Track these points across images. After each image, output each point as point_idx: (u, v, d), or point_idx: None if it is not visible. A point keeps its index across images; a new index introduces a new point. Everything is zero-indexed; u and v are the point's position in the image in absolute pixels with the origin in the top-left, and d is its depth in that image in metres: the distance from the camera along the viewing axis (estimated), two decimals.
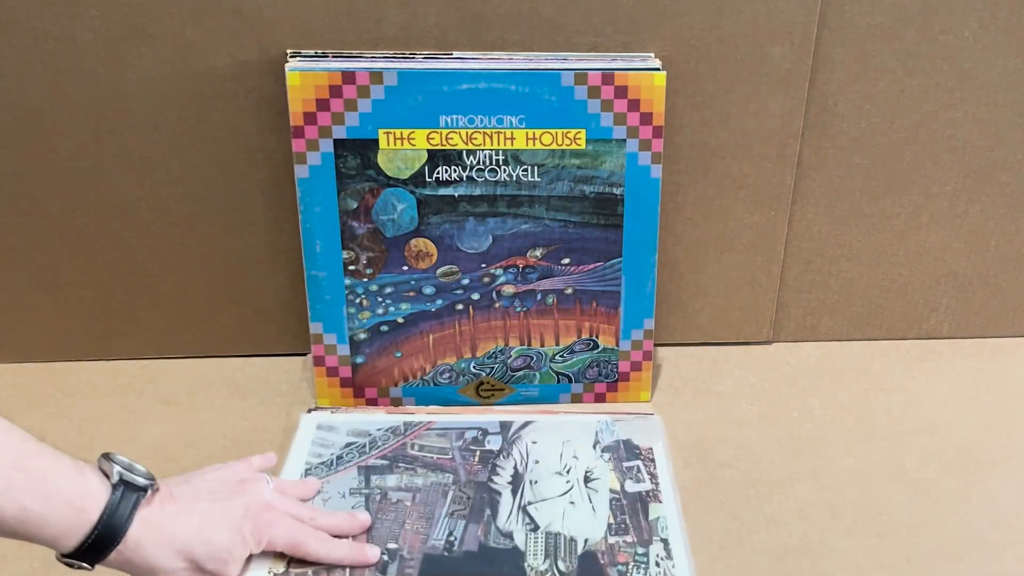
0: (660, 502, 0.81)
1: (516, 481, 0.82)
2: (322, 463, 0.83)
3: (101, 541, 0.60)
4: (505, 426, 0.88)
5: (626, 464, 0.85)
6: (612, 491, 0.82)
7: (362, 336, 0.91)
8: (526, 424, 0.89)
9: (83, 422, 0.91)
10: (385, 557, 0.73)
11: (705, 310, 1.01)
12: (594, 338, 0.93)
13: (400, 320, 0.91)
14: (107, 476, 0.62)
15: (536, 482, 0.82)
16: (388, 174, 0.86)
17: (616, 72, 0.84)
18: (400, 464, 0.83)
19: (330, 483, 0.81)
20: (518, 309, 0.92)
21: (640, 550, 0.76)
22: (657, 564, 0.75)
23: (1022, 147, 0.95)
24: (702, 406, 0.94)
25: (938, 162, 0.95)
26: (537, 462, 0.84)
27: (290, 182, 0.88)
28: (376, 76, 0.82)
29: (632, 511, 0.80)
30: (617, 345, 0.93)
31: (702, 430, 0.91)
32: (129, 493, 0.62)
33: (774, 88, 0.89)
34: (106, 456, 0.64)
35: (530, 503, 0.80)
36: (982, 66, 0.90)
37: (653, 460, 0.85)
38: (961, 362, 1.01)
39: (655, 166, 0.86)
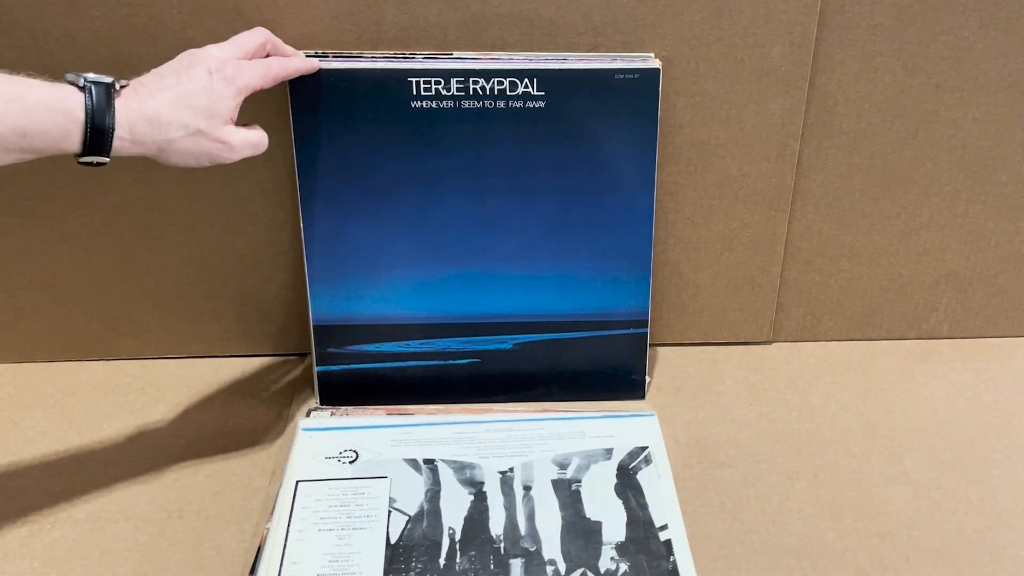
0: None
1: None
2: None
3: (97, 133, 0.67)
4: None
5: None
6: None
7: None
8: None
9: (83, 422, 0.91)
10: None
11: (705, 310, 1.01)
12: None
13: None
14: (75, 84, 0.68)
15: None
16: None
17: None
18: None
19: None
20: None
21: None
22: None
23: (1022, 147, 0.95)
24: (702, 406, 0.94)
25: (938, 162, 0.95)
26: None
27: (290, 182, 0.88)
28: None
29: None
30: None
31: (702, 430, 0.91)
32: (99, 89, 0.67)
33: (774, 88, 0.89)
34: (71, 74, 0.68)
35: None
36: (982, 66, 0.90)
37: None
38: (961, 362, 1.01)
39: None
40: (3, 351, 0.98)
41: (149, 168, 0.89)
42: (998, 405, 0.95)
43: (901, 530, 0.80)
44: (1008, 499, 0.84)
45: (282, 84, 0.82)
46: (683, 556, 0.76)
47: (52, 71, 0.83)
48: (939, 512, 0.82)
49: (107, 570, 0.76)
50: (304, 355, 1.00)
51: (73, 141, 0.67)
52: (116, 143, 0.68)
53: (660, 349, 1.01)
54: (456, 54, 0.85)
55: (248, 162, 0.89)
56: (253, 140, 0.76)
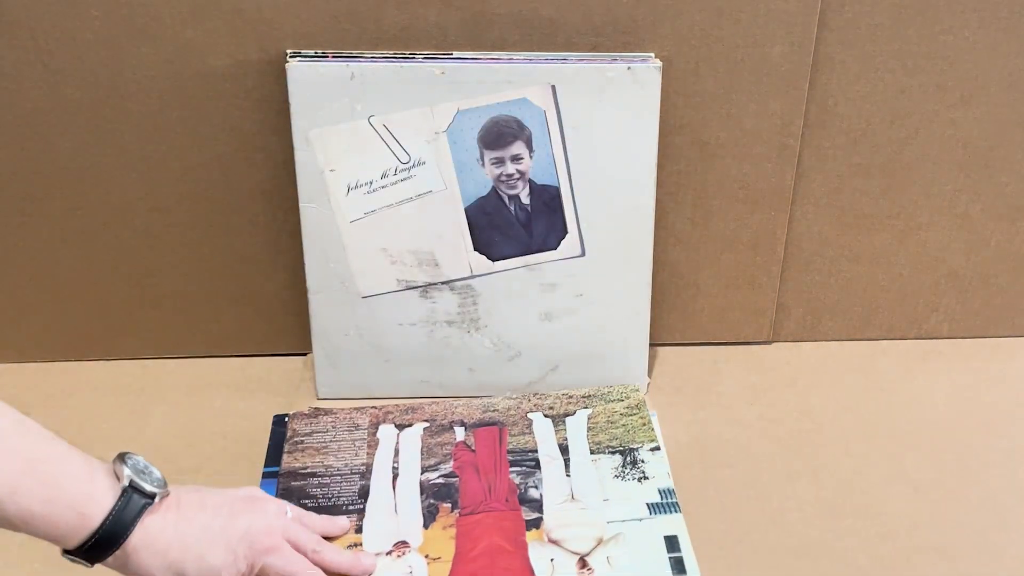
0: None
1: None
2: None
3: (100, 545, 0.61)
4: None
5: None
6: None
7: None
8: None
9: (83, 422, 0.91)
10: None
11: (705, 310, 1.01)
12: None
13: None
14: (118, 479, 0.62)
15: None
16: None
17: None
18: None
19: None
20: None
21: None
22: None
23: (1022, 147, 0.95)
24: (702, 406, 0.94)
25: (938, 162, 0.95)
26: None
27: (290, 182, 0.88)
28: None
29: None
30: None
31: (702, 430, 0.91)
32: (136, 500, 0.62)
33: (774, 88, 0.89)
34: (121, 457, 0.64)
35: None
36: (982, 66, 0.90)
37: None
38: (961, 362, 1.01)
39: None
40: (3, 351, 0.98)
41: (149, 168, 0.90)
42: (998, 405, 0.95)
43: (901, 530, 0.80)
44: (1008, 499, 0.83)
45: (281, 84, 0.82)
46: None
47: (52, 71, 0.84)
48: (939, 512, 0.82)
49: (107, 570, 0.76)
50: (304, 355, 1.00)
51: (70, 542, 0.60)
52: (110, 558, 0.62)
53: (660, 349, 1.01)
54: (456, 54, 0.85)
55: (248, 162, 0.90)
56: None
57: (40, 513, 0.59)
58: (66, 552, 0.62)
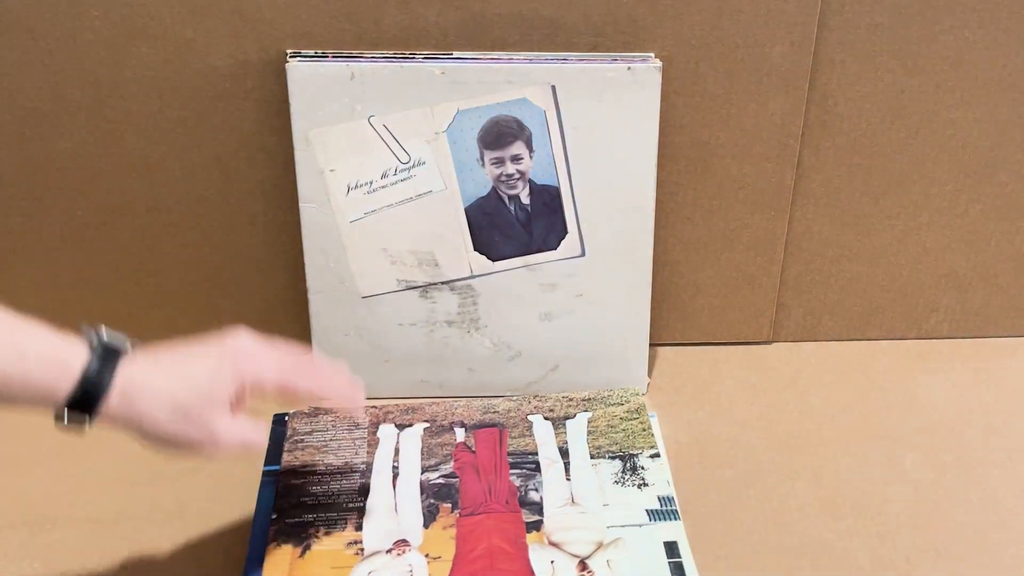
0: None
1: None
2: None
3: (87, 393, 0.61)
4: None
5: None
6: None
7: None
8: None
9: None
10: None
11: (705, 310, 1.01)
12: None
13: None
14: (89, 342, 0.63)
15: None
16: None
17: None
18: None
19: None
20: None
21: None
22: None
23: (1022, 147, 0.95)
24: (702, 406, 0.94)
25: (938, 162, 0.95)
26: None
27: (290, 182, 0.88)
28: None
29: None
30: None
31: (702, 430, 0.91)
32: (110, 350, 0.63)
33: (774, 88, 0.89)
34: (87, 325, 0.64)
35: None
36: (982, 66, 0.90)
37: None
38: (961, 362, 1.01)
39: None
40: None
41: (149, 168, 0.90)
42: (998, 405, 0.95)
43: (901, 530, 0.80)
44: (1008, 499, 0.84)
45: (281, 84, 0.83)
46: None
47: (52, 71, 0.84)
48: (939, 512, 0.82)
49: (107, 570, 0.76)
50: None
51: (55, 397, 0.60)
52: (103, 408, 0.62)
53: (660, 349, 1.01)
54: (456, 54, 0.85)
55: (248, 162, 0.90)
56: (245, 438, 0.67)
57: (17, 371, 0.59)
58: (59, 417, 0.62)
